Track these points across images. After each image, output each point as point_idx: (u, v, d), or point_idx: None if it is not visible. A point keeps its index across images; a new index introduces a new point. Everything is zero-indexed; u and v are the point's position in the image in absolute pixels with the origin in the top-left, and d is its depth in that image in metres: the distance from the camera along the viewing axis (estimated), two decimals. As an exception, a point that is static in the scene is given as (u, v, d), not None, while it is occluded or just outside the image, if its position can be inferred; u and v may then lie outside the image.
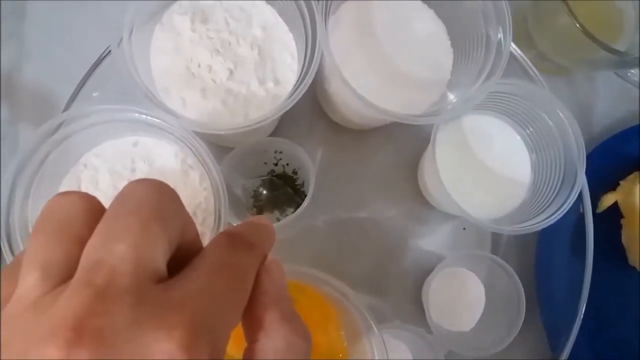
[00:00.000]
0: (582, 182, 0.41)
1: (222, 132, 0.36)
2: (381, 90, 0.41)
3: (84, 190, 0.38)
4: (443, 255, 0.50)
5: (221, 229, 0.36)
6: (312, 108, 0.51)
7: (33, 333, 0.14)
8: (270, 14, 0.42)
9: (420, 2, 0.44)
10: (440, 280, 0.47)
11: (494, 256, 0.47)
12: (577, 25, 0.43)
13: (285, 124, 0.50)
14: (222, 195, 0.36)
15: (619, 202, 0.51)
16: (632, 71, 0.55)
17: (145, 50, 0.39)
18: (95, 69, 0.45)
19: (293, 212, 0.43)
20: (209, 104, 0.39)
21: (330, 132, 0.51)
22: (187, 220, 0.19)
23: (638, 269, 0.50)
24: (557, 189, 0.42)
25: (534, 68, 0.49)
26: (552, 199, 0.42)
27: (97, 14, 0.51)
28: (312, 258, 0.49)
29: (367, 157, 0.52)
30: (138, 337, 0.14)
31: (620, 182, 0.51)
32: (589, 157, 0.41)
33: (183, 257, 0.18)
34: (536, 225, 0.40)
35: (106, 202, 0.18)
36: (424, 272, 0.49)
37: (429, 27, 0.43)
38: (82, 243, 0.16)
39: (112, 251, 0.15)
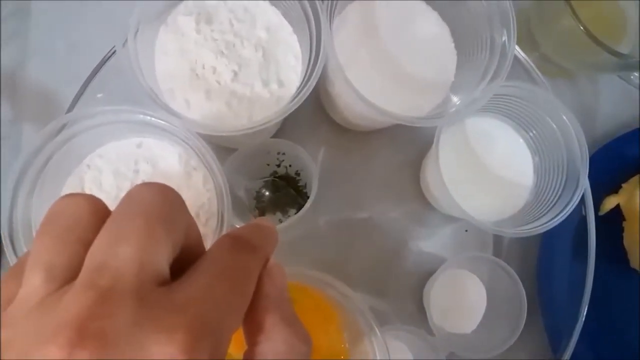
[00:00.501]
0: (584, 185, 0.41)
1: (226, 134, 0.36)
2: (384, 92, 0.41)
3: (87, 191, 0.38)
4: (445, 257, 0.50)
5: (224, 231, 0.36)
6: (315, 109, 0.51)
7: (35, 333, 0.14)
8: (274, 15, 0.42)
9: (424, 4, 0.44)
10: (442, 282, 0.47)
11: (496, 258, 0.47)
12: (581, 27, 0.43)
13: (288, 125, 0.50)
14: (225, 197, 0.36)
15: (621, 204, 0.51)
16: (635, 74, 0.55)
17: (150, 52, 0.39)
18: (99, 69, 0.45)
19: (295, 214, 0.43)
20: (213, 106, 0.39)
21: (333, 133, 0.51)
22: (190, 223, 0.19)
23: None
24: (559, 191, 0.42)
25: (537, 70, 0.49)
26: (554, 201, 0.42)
27: (101, 15, 0.51)
28: (313, 259, 0.49)
29: (370, 158, 0.51)
30: (140, 339, 0.14)
31: (623, 184, 0.51)
32: (592, 160, 0.41)
33: (186, 259, 0.18)
34: (538, 227, 0.40)
35: (110, 204, 0.18)
36: (425, 274, 0.49)
37: (433, 29, 0.43)
38: (86, 245, 0.16)
39: (117, 253, 0.16)
